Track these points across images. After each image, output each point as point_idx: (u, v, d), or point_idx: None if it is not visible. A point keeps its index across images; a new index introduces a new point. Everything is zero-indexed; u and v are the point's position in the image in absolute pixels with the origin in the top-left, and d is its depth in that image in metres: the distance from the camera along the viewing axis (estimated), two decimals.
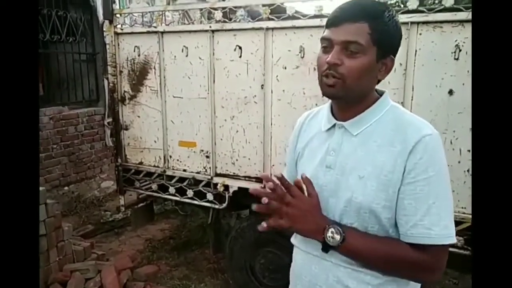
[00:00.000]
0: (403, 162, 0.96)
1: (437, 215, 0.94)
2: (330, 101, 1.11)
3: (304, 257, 1.12)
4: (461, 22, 2.07)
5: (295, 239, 1.19)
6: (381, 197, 0.97)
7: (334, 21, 0.98)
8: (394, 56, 1.03)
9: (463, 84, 2.10)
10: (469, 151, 2.14)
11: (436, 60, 2.14)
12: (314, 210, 1.00)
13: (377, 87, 1.09)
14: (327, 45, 0.99)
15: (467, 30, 2.06)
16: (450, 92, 2.14)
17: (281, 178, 0.98)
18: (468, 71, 2.09)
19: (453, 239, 0.96)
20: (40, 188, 2.96)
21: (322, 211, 1.03)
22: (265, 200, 0.94)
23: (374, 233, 1.00)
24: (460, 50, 2.09)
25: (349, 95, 1.00)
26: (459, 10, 2.07)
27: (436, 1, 2.16)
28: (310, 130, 1.18)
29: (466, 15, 2.05)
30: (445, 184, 0.97)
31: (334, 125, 1.09)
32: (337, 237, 0.97)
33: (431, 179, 0.94)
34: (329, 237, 0.98)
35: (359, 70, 0.96)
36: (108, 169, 5.61)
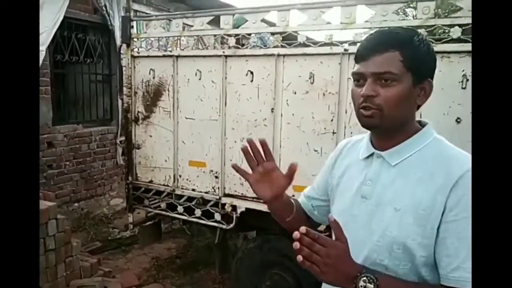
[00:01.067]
0: (444, 197, 0.89)
1: None
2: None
3: None
4: (468, 52, 2.13)
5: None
6: (417, 233, 0.91)
7: (363, 54, 0.97)
8: (432, 78, 0.99)
9: (471, 113, 2.14)
10: None
11: (444, 89, 2.18)
12: (344, 257, 0.90)
13: None
14: (360, 78, 0.97)
15: None
16: (458, 120, 2.18)
17: (307, 233, 0.87)
18: None
19: None
20: (51, 204, 3.03)
21: (351, 244, 0.95)
22: (296, 245, 0.87)
23: (405, 272, 0.94)
24: (467, 80, 2.15)
25: (388, 125, 0.97)
26: (466, 41, 2.14)
27: (444, 32, 2.23)
28: (349, 158, 1.14)
29: None
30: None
31: (372, 154, 1.05)
32: (370, 286, 0.89)
33: (469, 219, 0.86)
34: (361, 286, 0.89)
35: (396, 98, 0.93)
36: (118, 187, 5.68)
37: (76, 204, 5.13)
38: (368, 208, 1.01)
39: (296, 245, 0.86)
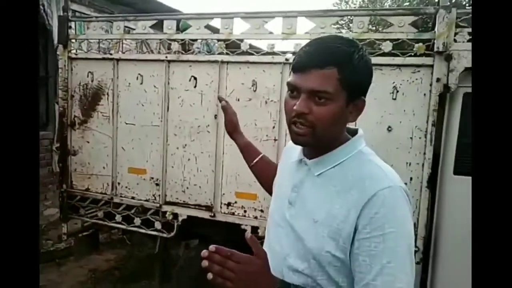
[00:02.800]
0: (356, 214, 0.89)
1: (391, 276, 0.85)
2: None
3: None
4: (398, 66, 2.28)
5: None
6: (331, 245, 0.91)
7: (300, 66, 0.93)
8: (365, 96, 0.98)
9: (400, 122, 2.28)
10: (406, 184, 2.29)
11: (376, 99, 2.31)
12: (260, 274, 0.88)
13: None
14: (294, 90, 0.94)
15: (403, 73, 2.27)
16: (389, 128, 2.31)
17: (219, 251, 0.85)
18: (404, 110, 2.28)
19: None
20: None
21: (277, 246, 0.99)
22: (204, 263, 0.83)
23: (323, 282, 0.94)
24: (397, 91, 2.29)
25: (319, 143, 0.97)
26: (396, 55, 2.28)
27: (377, 46, 2.37)
28: (286, 161, 1.16)
29: (402, 60, 2.26)
30: (405, 242, 0.88)
31: (301, 160, 1.06)
32: None
33: (388, 236, 0.86)
34: None
35: (328, 117, 0.92)
36: (53, 196, 5.33)
37: None
38: (292, 215, 1.01)
39: (204, 263, 0.83)
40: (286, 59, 2.51)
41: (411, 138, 2.27)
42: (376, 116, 2.32)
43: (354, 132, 1.03)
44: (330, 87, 0.90)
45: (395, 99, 2.30)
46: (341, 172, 0.96)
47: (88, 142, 3.13)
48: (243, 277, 0.85)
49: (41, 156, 5.20)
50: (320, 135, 0.94)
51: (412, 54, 2.29)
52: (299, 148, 1.08)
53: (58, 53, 3.17)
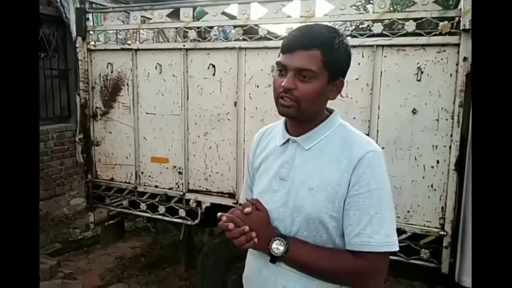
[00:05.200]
0: (348, 176, 1.04)
1: (378, 225, 1.02)
2: (284, 118, 1.19)
3: (256, 263, 1.20)
4: (423, 46, 2.20)
5: None
6: (328, 207, 1.05)
7: (289, 47, 1.05)
8: (344, 77, 1.12)
9: (425, 104, 2.22)
10: (432, 167, 2.24)
11: (400, 81, 2.25)
12: (263, 224, 1.09)
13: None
14: (282, 69, 1.07)
15: (428, 53, 2.19)
16: (414, 111, 2.25)
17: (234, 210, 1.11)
18: (429, 91, 2.21)
19: (394, 247, 1.03)
20: None
21: (275, 220, 1.13)
22: (222, 217, 1.09)
23: (322, 242, 1.08)
24: (422, 72, 2.22)
25: (303, 115, 1.09)
26: (420, 34, 2.21)
27: (400, 26, 2.30)
28: (266, 145, 1.26)
29: (427, 39, 2.18)
30: (387, 197, 1.05)
31: (288, 140, 1.17)
32: (281, 248, 1.06)
33: (373, 192, 1.03)
34: (274, 248, 1.07)
35: (311, 93, 1.05)
36: (78, 186, 5.47)
37: None
38: (286, 188, 1.13)
39: (222, 217, 1.08)
40: None
41: (437, 120, 2.21)
42: (400, 98, 2.27)
43: (330, 110, 1.17)
44: (314, 66, 1.03)
45: (419, 80, 2.23)
46: (328, 143, 1.11)
47: (110, 132, 3.17)
48: (253, 226, 1.05)
49: (64, 148, 5.32)
50: (303, 108, 1.06)
51: (437, 33, 2.21)
52: (278, 132, 1.21)
53: (77, 45, 3.20)
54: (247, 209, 1.08)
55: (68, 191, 5.43)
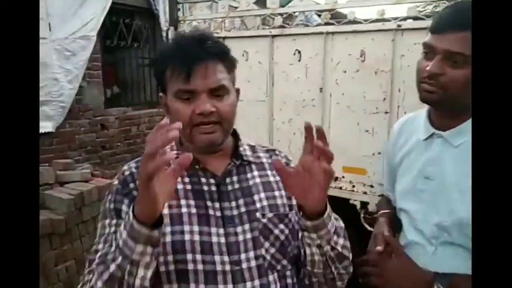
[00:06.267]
0: None
1: None
2: (427, 107, 1.05)
3: None
4: None
5: None
6: None
7: (438, 27, 0.92)
8: None
9: None
10: None
11: None
12: (412, 268, 0.94)
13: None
14: (429, 51, 0.94)
15: None
16: None
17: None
18: None
19: None
20: (109, 181, 3.17)
21: (418, 224, 1.01)
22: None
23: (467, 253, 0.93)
24: None
25: (449, 105, 0.94)
26: None
27: None
28: (408, 138, 1.12)
29: None
30: None
31: (432, 135, 1.02)
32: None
33: None
34: None
35: (463, 81, 0.89)
36: None
37: None
38: (433, 188, 1.00)
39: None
40: (398, 26, 2.34)
41: None
42: None
43: None
44: (467, 50, 0.86)
45: None
46: None
47: None
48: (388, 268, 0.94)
49: None
50: (451, 98, 0.91)
51: None
52: (421, 124, 1.06)
53: (170, 36, 3.38)
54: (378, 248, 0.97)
55: None
